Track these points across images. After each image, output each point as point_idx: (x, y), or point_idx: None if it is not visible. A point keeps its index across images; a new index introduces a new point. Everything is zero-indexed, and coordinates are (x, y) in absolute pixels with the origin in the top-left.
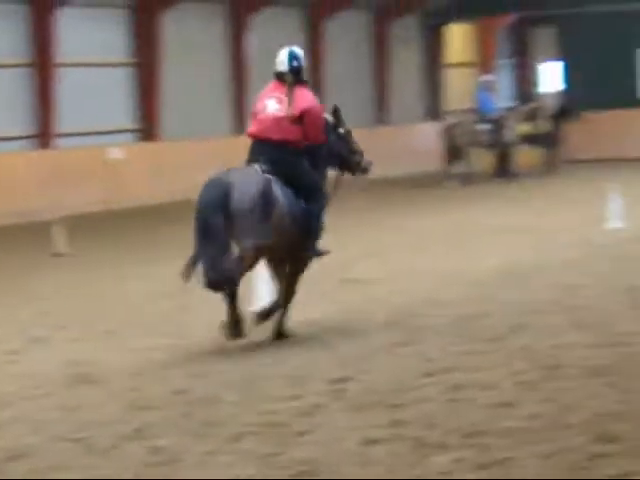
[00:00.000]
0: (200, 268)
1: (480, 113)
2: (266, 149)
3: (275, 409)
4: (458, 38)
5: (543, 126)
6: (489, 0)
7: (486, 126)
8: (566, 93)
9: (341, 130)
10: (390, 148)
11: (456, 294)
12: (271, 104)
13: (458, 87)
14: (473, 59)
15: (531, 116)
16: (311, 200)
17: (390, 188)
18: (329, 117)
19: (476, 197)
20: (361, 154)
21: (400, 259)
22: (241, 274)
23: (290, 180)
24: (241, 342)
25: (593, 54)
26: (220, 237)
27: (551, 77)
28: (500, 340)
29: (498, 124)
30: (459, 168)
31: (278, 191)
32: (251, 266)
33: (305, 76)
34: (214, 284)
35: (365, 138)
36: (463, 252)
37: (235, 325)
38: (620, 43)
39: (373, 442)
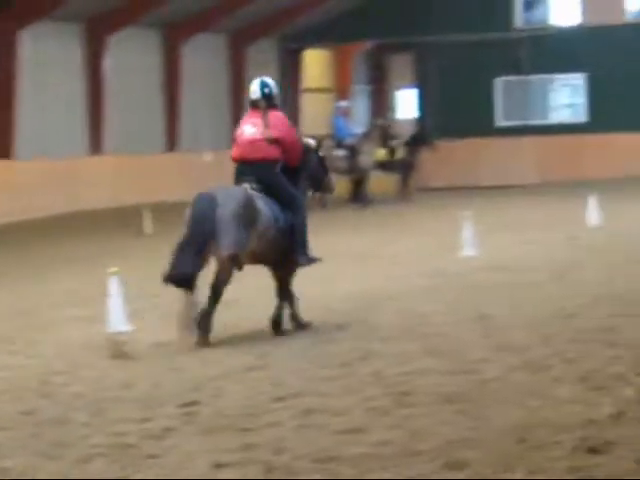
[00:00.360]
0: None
1: (336, 139)
2: (248, 169)
3: (125, 431)
4: (315, 63)
5: (398, 152)
6: (346, 26)
7: (342, 152)
8: (421, 120)
9: (320, 153)
10: None
11: (309, 319)
12: (247, 129)
13: (315, 112)
14: (330, 85)
15: (383, 139)
16: (293, 211)
17: None
18: (311, 141)
19: (331, 222)
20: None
21: (253, 283)
22: (196, 278)
23: (273, 194)
24: (92, 363)
25: (450, 82)
26: (197, 244)
27: (407, 104)
28: (351, 366)
29: (354, 150)
30: (314, 193)
31: (262, 204)
32: (228, 272)
33: (277, 101)
34: (170, 280)
35: (221, 161)
36: (317, 277)
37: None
38: (477, 72)
39: (223, 466)
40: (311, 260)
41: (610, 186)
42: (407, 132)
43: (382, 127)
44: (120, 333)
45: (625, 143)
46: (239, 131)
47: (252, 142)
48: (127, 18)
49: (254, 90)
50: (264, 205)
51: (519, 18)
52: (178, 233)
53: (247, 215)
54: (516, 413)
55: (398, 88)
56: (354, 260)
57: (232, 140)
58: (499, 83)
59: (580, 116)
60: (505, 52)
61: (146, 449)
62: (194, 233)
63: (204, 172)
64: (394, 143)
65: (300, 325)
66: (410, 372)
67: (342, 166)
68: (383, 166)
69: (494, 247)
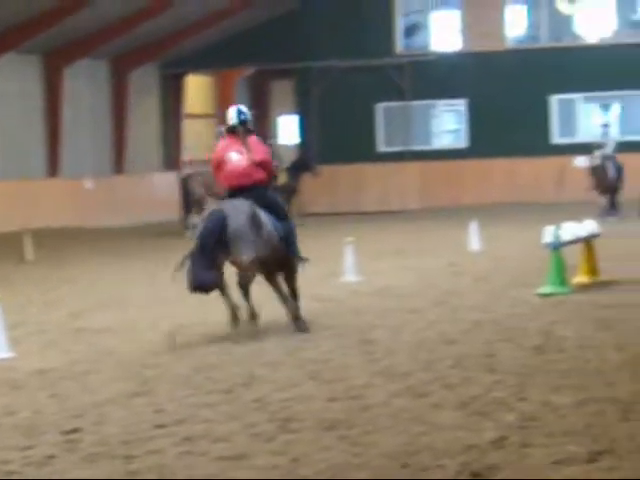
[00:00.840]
0: (188, 275)
1: None
2: (244, 194)
3: (7, 459)
4: (197, 89)
5: (280, 177)
6: (228, 52)
7: None
8: (303, 146)
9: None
10: (128, 197)
11: (190, 345)
12: (234, 156)
13: (196, 137)
14: (212, 110)
15: None
16: (285, 221)
17: (127, 237)
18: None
19: None
20: None
21: (137, 309)
22: (219, 284)
23: (269, 209)
24: None
25: (331, 108)
26: (209, 256)
27: (289, 130)
28: (234, 392)
29: None
30: (197, 218)
31: (263, 215)
32: (252, 274)
33: (251, 127)
34: (195, 289)
35: (103, 187)
36: (198, 302)
37: (234, 317)
38: (359, 98)
39: None
40: (304, 261)
41: (490, 211)
42: (289, 158)
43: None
44: (1, 360)
45: (504, 168)
46: (224, 158)
47: (243, 170)
48: (6, 45)
49: (231, 117)
50: (265, 217)
51: (400, 44)
52: (60, 259)
53: (256, 225)
54: (399, 439)
55: (280, 114)
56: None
57: (213, 165)
58: (381, 109)
59: (461, 142)
60: (386, 78)
61: (28, 477)
62: (206, 246)
63: (86, 198)
64: (276, 169)
65: (301, 326)
66: (294, 398)
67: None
68: None
69: (376, 273)
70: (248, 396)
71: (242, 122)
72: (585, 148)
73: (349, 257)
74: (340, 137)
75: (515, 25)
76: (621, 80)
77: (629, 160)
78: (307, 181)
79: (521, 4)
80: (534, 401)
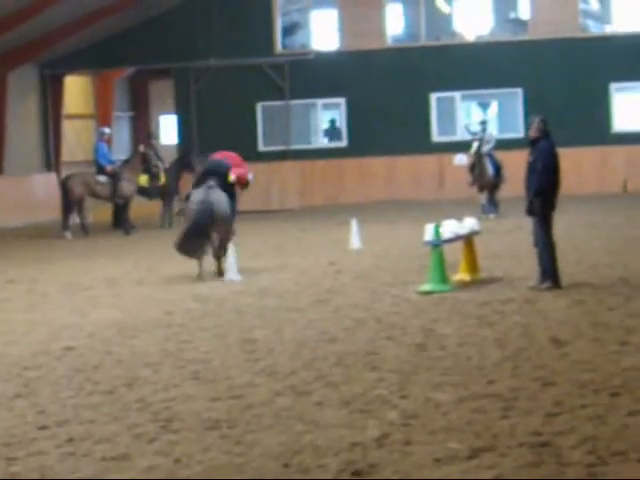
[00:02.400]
0: (182, 246)
1: (98, 165)
2: (213, 171)
3: None
4: (76, 89)
5: (160, 178)
6: (106, 52)
7: (104, 178)
8: (183, 146)
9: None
10: (7, 198)
11: (72, 346)
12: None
13: (76, 138)
14: (91, 111)
15: (143, 164)
16: (232, 199)
17: (6, 239)
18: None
19: (94, 248)
20: None
21: (14, 310)
22: (204, 251)
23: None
24: None
25: (211, 107)
26: (203, 229)
27: (169, 130)
28: (116, 393)
29: (116, 176)
30: (77, 219)
31: (226, 200)
32: (230, 239)
33: None
34: (181, 253)
35: None
36: (79, 304)
37: (201, 273)
38: (239, 97)
39: None
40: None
41: (370, 210)
42: (169, 158)
43: (144, 153)
44: None
45: (384, 167)
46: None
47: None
48: None
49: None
50: (226, 199)
51: (280, 43)
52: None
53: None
54: (281, 438)
55: (160, 114)
56: (117, 286)
57: None
58: (260, 108)
59: (340, 140)
60: (266, 77)
61: None
62: (200, 222)
63: None
64: (156, 169)
65: (222, 273)
66: (175, 398)
67: (104, 192)
68: (145, 192)
69: (257, 272)
70: (130, 397)
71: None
72: (464, 146)
73: (230, 256)
74: (220, 136)
75: (394, 23)
76: (499, 78)
77: (506, 157)
78: (187, 181)
79: (399, 3)
80: (416, 398)
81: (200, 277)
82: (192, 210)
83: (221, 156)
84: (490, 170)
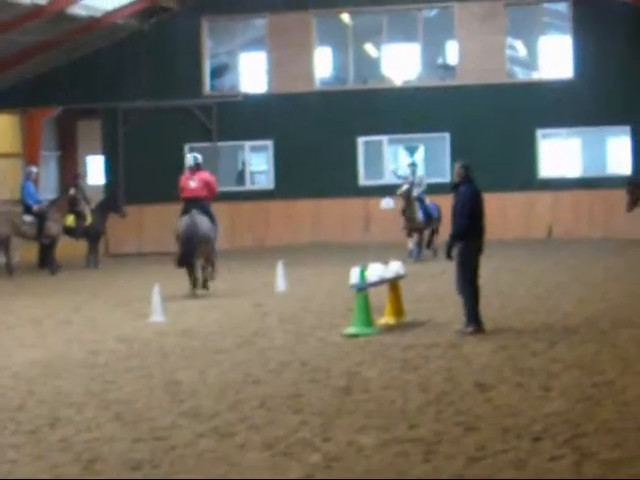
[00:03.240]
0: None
1: (25, 204)
2: (193, 204)
3: None
4: (3, 128)
5: (87, 219)
6: (34, 91)
7: (30, 217)
8: (110, 187)
9: None
10: None
11: None
12: (191, 182)
13: (3, 177)
14: (18, 150)
15: (71, 206)
16: (213, 222)
17: None
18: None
19: (19, 288)
20: None
21: None
22: (194, 263)
23: (206, 214)
24: None
25: (139, 148)
26: (192, 245)
27: (96, 170)
28: (38, 433)
29: (42, 215)
30: (3, 258)
31: (207, 221)
32: (214, 258)
33: (201, 166)
34: (181, 264)
35: None
36: (3, 343)
37: (194, 283)
38: (167, 138)
39: None
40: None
41: (297, 252)
42: (96, 198)
43: (72, 196)
44: None
45: (311, 210)
46: (185, 184)
47: (195, 189)
48: None
49: (189, 161)
50: (207, 221)
51: (208, 85)
52: None
53: (210, 229)
54: None
55: (87, 154)
56: (41, 326)
57: (178, 187)
58: (188, 149)
59: (268, 183)
60: (194, 118)
61: None
62: (190, 240)
63: None
64: (83, 209)
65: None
66: (98, 438)
67: (30, 232)
68: (72, 232)
69: (182, 313)
70: (53, 437)
71: (196, 164)
72: (391, 190)
73: (156, 297)
74: (147, 177)
75: (322, 67)
76: (426, 123)
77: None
78: (114, 222)
79: (328, 46)
80: (339, 441)
81: (194, 290)
82: (182, 231)
83: (192, 176)
84: (419, 214)
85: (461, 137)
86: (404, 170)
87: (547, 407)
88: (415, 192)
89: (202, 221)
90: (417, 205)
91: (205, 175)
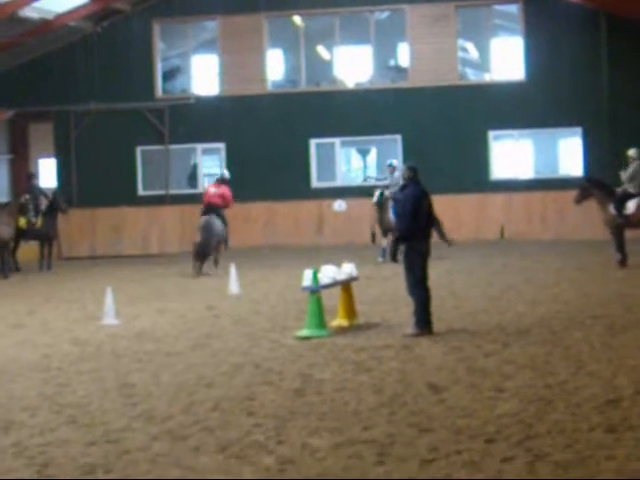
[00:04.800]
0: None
1: None
2: (212, 208)
3: None
4: None
5: (39, 221)
6: None
7: None
8: (62, 189)
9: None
10: None
11: None
12: (212, 190)
13: None
14: None
15: (24, 210)
16: (224, 223)
17: None
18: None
19: None
20: None
21: None
22: (209, 256)
23: (219, 217)
24: None
25: (92, 151)
26: (207, 242)
27: (49, 173)
28: None
29: None
30: None
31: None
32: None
33: (226, 181)
34: (197, 257)
35: None
36: None
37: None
38: (119, 141)
39: None
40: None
41: (250, 255)
42: (48, 201)
43: (22, 202)
44: None
45: (264, 212)
46: (208, 192)
47: (214, 195)
48: None
49: (217, 176)
50: (220, 223)
51: (160, 87)
52: None
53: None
54: None
55: (39, 157)
56: None
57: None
58: (140, 152)
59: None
60: (146, 121)
61: None
62: (207, 236)
63: None
64: (34, 212)
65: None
66: (52, 442)
67: None
68: (24, 235)
69: (136, 316)
70: (6, 441)
71: (222, 179)
72: (344, 192)
73: (109, 300)
74: (100, 180)
75: (274, 69)
76: (378, 125)
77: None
78: (67, 225)
79: (280, 49)
80: (293, 444)
81: (196, 274)
82: (200, 228)
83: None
84: (390, 214)
85: (413, 139)
86: (378, 173)
87: (500, 408)
88: (389, 191)
89: (215, 222)
90: (390, 206)
91: (225, 189)
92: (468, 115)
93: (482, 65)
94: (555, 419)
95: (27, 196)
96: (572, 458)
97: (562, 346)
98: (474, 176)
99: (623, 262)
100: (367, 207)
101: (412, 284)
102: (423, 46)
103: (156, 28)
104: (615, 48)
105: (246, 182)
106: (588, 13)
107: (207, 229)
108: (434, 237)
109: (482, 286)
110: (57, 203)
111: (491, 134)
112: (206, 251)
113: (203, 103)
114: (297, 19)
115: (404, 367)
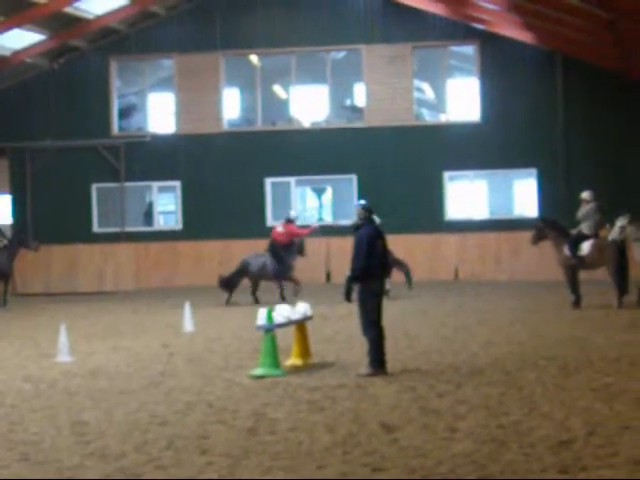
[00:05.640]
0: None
1: None
2: (275, 245)
3: None
4: None
5: None
6: None
7: None
8: (17, 226)
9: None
10: None
11: None
12: (279, 229)
13: None
14: None
15: None
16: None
17: None
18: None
19: None
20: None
21: None
22: (234, 288)
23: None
24: None
25: (47, 188)
26: (232, 277)
27: (3, 209)
28: None
29: None
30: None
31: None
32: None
33: (293, 220)
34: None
35: None
36: None
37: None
38: (74, 178)
39: None
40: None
41: (204, 293)
42: (4, 238)
43: None
44: None
45: (218, 250)
46: (275, 229)
47: (279, 234)
48: None
49: (287, 216)
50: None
51: (116, 125)
52: None
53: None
54: None
55: None
56: None
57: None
58: (95, 189)
59: (176, 223)
60: (102, 158)
61: None
62: (235, 273)
63: None
64: None
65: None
66: None
67: None
68: None
69: (89, 353)
70: None
71: (289, 220)
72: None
73: (62, 338)
74: (55, 217)
75: (231, 108)
76: (334, 164)
77: (337, 244)
78: (22, 261)
79: (236, 87)
80: None
81: (228, 302)
82: (239, 264)
83: (282, 227)
84: None
85: (368, 179)
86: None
87: (453, 448)
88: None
89: (252, 263)
90: None
91: (292, 227)
92: (423, 155)
93: (438, 106)
94: (508, 459)
95: None
96: None
97: (515, 387)
98: (429, 216)
99: (577, 303)
100: (322, 246)
101: (366, 324)
102: (379, 86)
103: (113, 65)
104: (570, 90)
105: (202, 220)
106: (544, 55)
107: (241, 266)
108: (399, 277)
109: (436, 326)
110: (25, 242)
111: (446, 175)
112: (230, 284)
113: (159, 141)
114: (254, 58)
115: (358, 407)
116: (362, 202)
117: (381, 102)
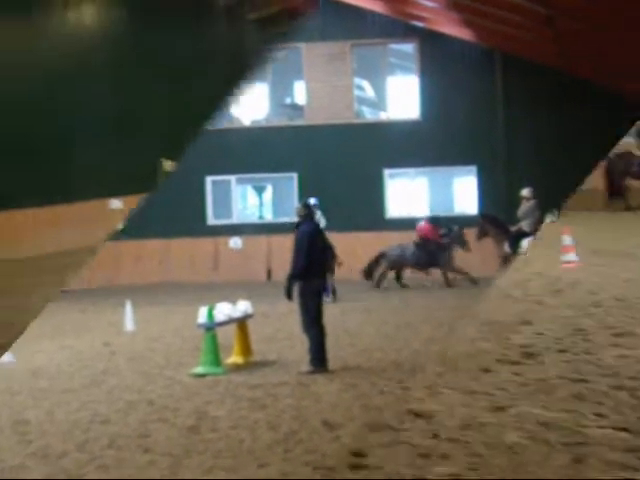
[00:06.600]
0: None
1: None
2: (423, 239)
3: None
4: None
5: None
6: None
7: None
8: None
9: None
10: None
11: None
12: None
13: None
14: None
15: None
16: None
17: None
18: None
19: None
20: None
21: None
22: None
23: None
24: None
25: None
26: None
27: None
28: None
29: None
30: None
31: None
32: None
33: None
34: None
35: None
36: None
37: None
38: None
39: None
40: None
41: (145, 292)
42: None
43: None
44: None
45: (159, 249)
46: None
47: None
48: None
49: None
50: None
51: None
52: None
53: None
54: None
55: None
56: None
57: None
58: None
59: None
60: None
61: None
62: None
63: None
64: None
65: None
66: None
67: None
68: None
69: (31, 353)
70: None
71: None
72: (239, 229)
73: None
74: None
75: None
76: (274, 162)
77: (277, 242)
78: None
79: None
80: None
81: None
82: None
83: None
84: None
85: (309, 177)
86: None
87: None
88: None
89: (388, 252)
90: None
91: (430, 227)
92: (364, 153)
93: (378, 103)
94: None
95: None
96: None
97: None
98: (370, 214)
99: None
100: (263, 244)
101: (307, 322)
102: (319, 84)
103: None
104: (510, 87)
105: (142, 219)
106: (483, 52)
107: (381, 254)
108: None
109: (378, 324)
110: None
111: (387, 172)
112: (370, 271)
113: None
114: None
115: (299, 404)
116: (312, 200)
117: (321, 100)
